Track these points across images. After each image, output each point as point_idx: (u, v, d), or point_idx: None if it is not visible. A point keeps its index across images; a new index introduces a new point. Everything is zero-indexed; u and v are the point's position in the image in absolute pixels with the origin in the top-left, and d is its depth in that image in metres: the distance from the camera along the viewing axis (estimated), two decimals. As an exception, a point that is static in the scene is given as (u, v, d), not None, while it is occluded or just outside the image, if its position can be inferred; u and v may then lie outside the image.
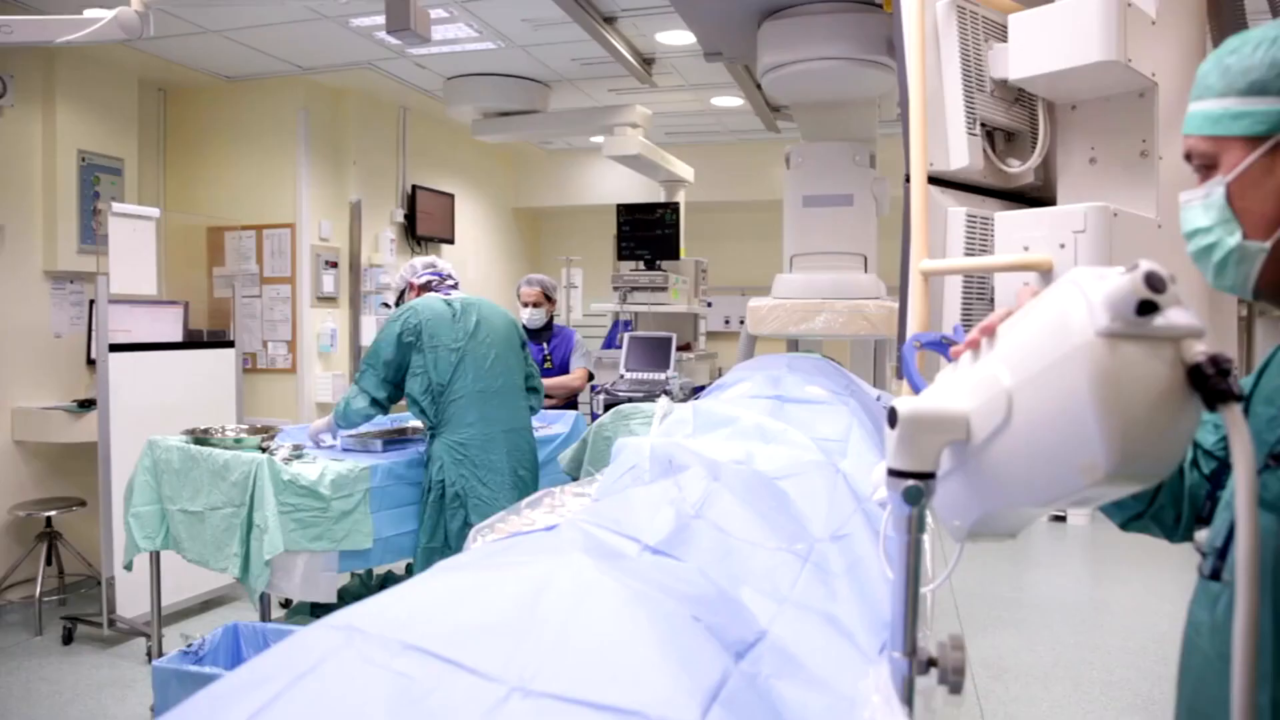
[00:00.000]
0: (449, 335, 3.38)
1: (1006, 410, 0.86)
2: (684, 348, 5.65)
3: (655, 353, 5.04)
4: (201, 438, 3.36)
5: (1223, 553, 0.98)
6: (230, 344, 5.07)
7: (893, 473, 0.92)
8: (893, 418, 0.92)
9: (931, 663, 0.94)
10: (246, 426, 3.63)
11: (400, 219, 6.82)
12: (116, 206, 4.39)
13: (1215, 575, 0.99)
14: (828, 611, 1.30)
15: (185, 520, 3.22)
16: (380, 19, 2.85)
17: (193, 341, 5.18)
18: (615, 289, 5.68)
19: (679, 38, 4.97)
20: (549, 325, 4.94)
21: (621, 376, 5.02)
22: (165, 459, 3.31)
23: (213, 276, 6.04)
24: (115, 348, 4.30)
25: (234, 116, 6.08)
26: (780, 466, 1.78)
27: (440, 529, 3.32)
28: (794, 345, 4.46)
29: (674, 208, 5.92)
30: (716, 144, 8.15)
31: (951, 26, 1.86)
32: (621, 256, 5.95)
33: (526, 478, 3.49)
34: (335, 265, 6.17)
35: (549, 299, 4.87)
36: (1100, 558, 6.09)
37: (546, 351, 4.88)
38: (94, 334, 4.61)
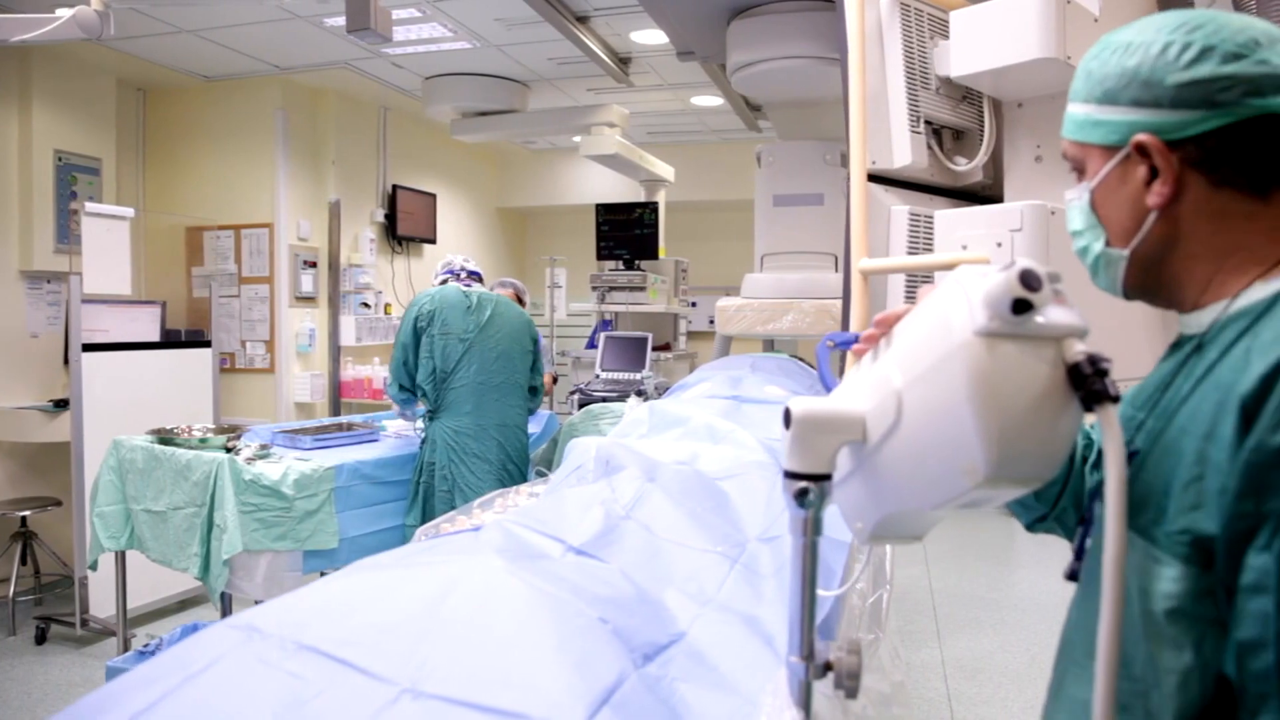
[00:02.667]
0: (460, 324, 3.51)
1: (897, 411, 0.85)
2: (663, 347, 5.65)
3: (631, 352, 5.05)
4: (166, 437, 3.35)
5: (1079, 553, 0.97)
6: (207, 344, 5.04)
7: (788, 474, 0.91)
8: (787, 418, 0.90)
9: (828, 667, 0.93)
10: (214, 426, 3.62)
11: (380, 219, 6.80)
12: (90, 206, 4.36)
13: (1073, 577, 0.98)
14: (751, 614, 1.29)
15: (149, 520, 3.21)
16: (352, 19, 2.83)
17: (169, 341, 5.16)
18: (594, 289, 5.68)
19: (653, 37, 4.94)
20: None
21: (597, 376, 5.02)
22: (130, 459, 3.30)
23: (191, 276, 6.03)
24: (91, 347, 4.28)
25: (212, 116, 6.05)
26: (723, 467, 1.77)
27: (428, 509, 3.39)
28: (769, 345, 4.46)
29: (653, 207, 5.91)
30: (698, 143, 8.13)
31: (895, 23, 1.85)
32: (600, 256, 5.95)
33: (514, 471, 3.59)
34: (314, 265, 6.15)
35: (520, 301, 4.88)
36: (1081, 557, 6.07)
37: None
38: (69, 333, 4.59)
